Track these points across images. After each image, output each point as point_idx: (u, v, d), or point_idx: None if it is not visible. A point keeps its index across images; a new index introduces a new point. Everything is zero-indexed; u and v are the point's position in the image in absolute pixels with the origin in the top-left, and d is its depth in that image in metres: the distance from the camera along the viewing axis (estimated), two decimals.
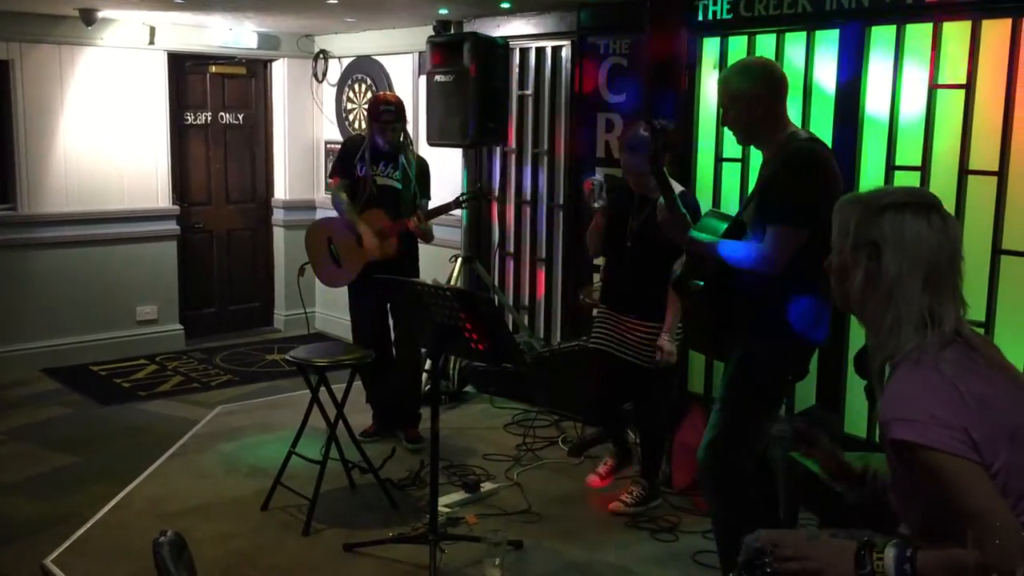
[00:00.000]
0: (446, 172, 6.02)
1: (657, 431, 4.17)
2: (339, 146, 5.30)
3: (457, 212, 5.91)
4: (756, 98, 2.92)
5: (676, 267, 3.11)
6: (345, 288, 4.87)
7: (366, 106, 4.94)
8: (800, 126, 3.21)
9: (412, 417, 4.90)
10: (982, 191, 3.82)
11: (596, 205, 4.02)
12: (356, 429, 4.40)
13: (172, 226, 6.81)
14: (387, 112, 4.64)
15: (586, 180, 4.16)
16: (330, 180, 4.95)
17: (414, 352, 4.87)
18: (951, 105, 3.87)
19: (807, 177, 2.82)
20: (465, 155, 5.75)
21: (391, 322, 4.84)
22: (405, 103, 6.16)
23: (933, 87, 3.91)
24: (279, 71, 7.32)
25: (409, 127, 6.50)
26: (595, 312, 4.27)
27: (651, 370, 3.94)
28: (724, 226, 3.03)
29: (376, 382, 4.84)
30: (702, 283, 3.01)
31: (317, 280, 4.97)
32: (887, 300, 1.75)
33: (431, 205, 4.80)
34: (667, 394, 4.21)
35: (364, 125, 5.18)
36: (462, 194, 4.79)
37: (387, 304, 4.76)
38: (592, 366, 4.16)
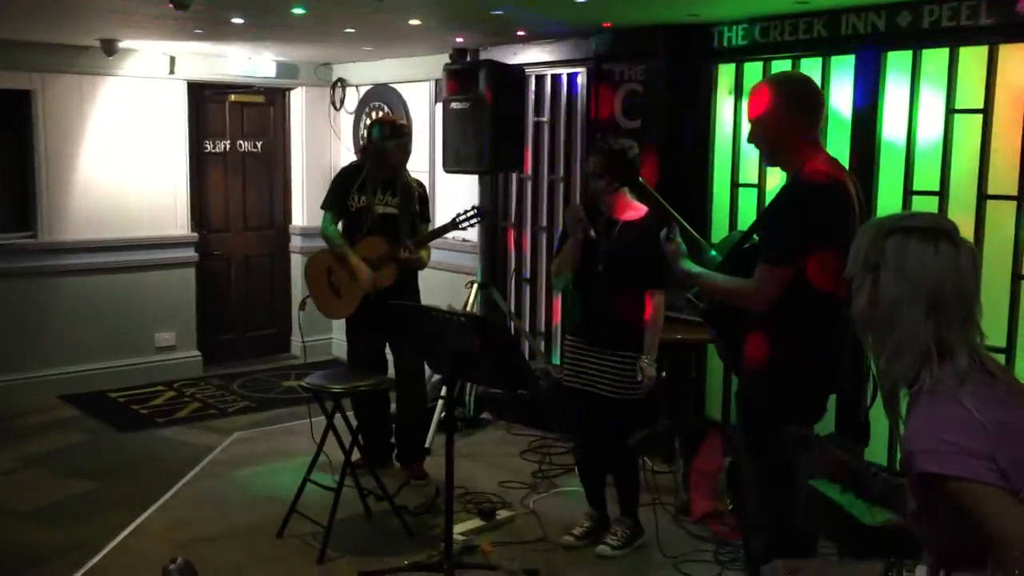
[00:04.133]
0: (460, 200, 6.03)
1: (632, 461, 3.98)
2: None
3: (473, 238, 5.94)
4: (784, 114, 2.75)
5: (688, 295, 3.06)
6: (343, 320, 4.84)
7: (367, 130, 4.82)
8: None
9: (417, 452, 4.85)
10: (1001, 216, 3.79)
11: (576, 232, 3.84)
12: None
13: (191, 253, 6.86)
14: (406, 127, 4.63)
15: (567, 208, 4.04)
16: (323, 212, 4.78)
17: (417, 385, 4.84)
18: (969, 130, 3.86)
19: (799, 212, 2.69)
20: (481, 182, 5.75)
21: (390, 357, 4.81)
22: (423, 130, 6.16)
23: (950, 112, 3.90)
24: (297, 99, 7.39)
25: (425, 154, 6.61)
26: (564, 342, 4.05)
27: (630, 402, 3.78)
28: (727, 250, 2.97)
29: (370, 413, 4.68)
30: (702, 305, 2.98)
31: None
32: (888, 324, 1.74)
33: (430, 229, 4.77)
34: (636, 426, 3.96)
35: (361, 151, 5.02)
36: (459, 215, 4.71)
37: (385, 338, 4.73)
38: (563, 402, 4.01)
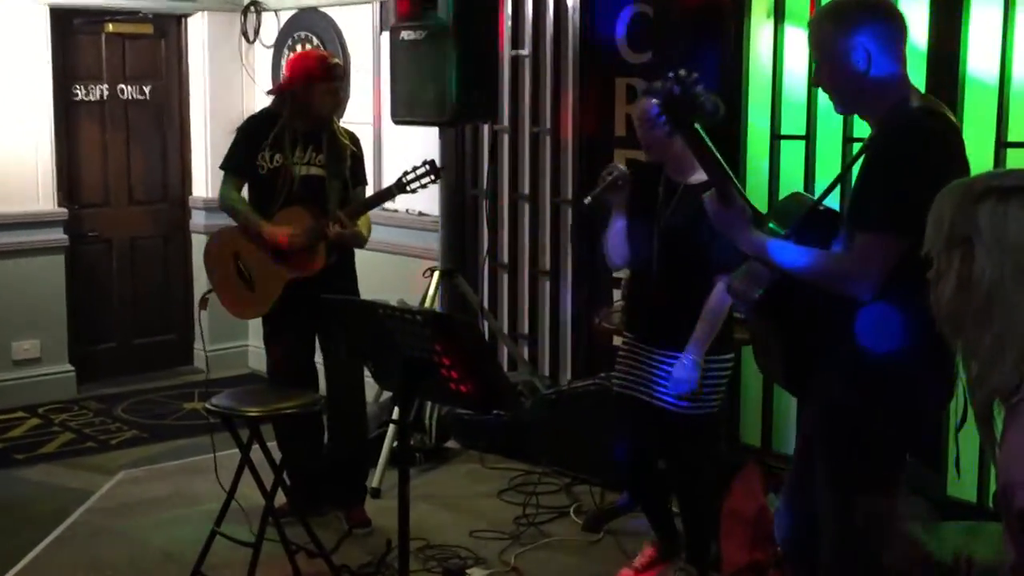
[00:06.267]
0: (415, 161, 6.01)
1: (704, 498, 4.15)
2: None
3: (432, 210, 5.93)
4: (857, 48, 2.78)
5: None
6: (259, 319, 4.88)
7: (290, 69, 4.79)
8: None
9: (356, 491, 4.86)
10: None
11: (618, 178, 3.92)
12: None
13: (57, 235, 6.82)
14: (337, 67, 4.64)
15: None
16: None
17: (357, 405, 4.85)
18: None
19: (909, 164, 2.70)
20: (443, 136, 5.75)
21: (322, 364, 4.84)
22: (364, 68, 6.11)
23: None
24: (197, 29, 7.34)
25: (367, 100, 6.58)
26: (618, 342, 4.25)
27: (692, 418, 3.93)
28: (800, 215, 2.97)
29: (298, 443, 4.69)
30: (761, 291, 2.97)
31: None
32: (985, 314, 1.75)
33: (368, 194, 4.81)
34: (713, 448, 4.19)
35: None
36: (405, 173, 4.71)
37: (315, 344, 4.75)
38: (615, 413, 4.15)
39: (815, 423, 2.98)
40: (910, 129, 2.77)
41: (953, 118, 2.87)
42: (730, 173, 2.95)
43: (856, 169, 2.93)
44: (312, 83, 4.60)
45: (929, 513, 3.64)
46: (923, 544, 2.12)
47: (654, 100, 3.70)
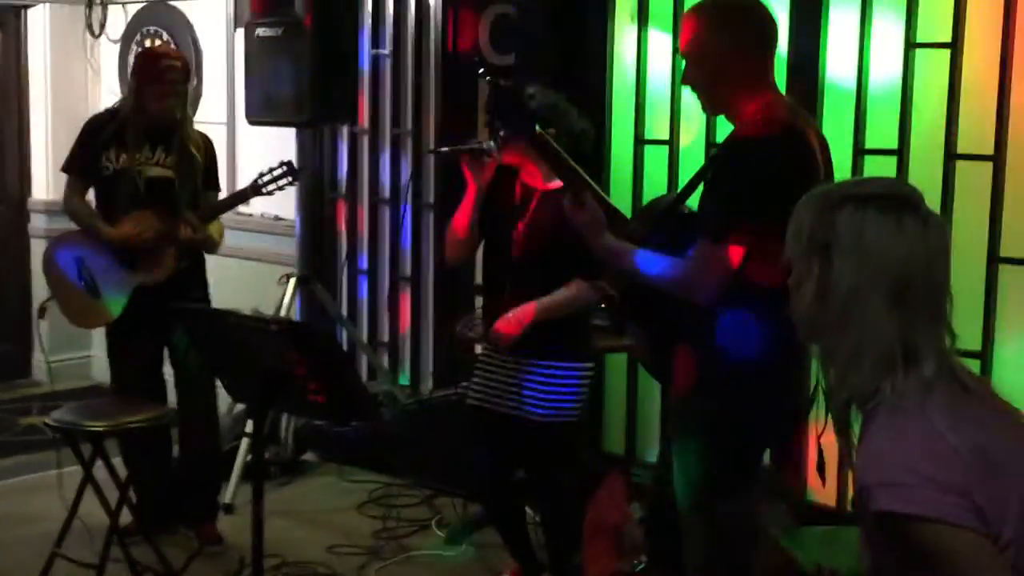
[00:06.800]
0: (271, 163, 5.94)
1: (566, 508, 4.15)
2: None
3: (288, 214, 5.85)
4: (729, 49, 2.87)
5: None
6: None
7: (131, 65, 4.75)
8: None
9: (207, 508, 4.80)
10: (974, 181, 3.96)
11: (487, 147, 3.81)
12: None
13: None
14: (171, 69, 4.54)
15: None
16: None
17: (208, 417, 4.79)
18: (934, 69, 4.01)
19: (746, 172, 2.79)
20: (300, 137, 5.69)
21: (171, 380, 4.78)
22: (217, 65, 5.98)
23: (911, 46, 4.05)
24: (37, 21, 7.16)
25: (220, 100, 6.46)
26: (478, 351, 4.23)
27: (552, 426, 3.92)
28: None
29: (145, 458, 4.63)
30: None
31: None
32: (842, 321, 1.78)
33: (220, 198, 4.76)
34: (575, 457, 4.20)
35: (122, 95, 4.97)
36: (261, 174, 4.68)
37: (163, 354, 4.69)
38: (471, 427, 4.13)
39: (672, 422, 3.07)
40: (749, 138, 2.85)
41: (808, 127, 2.94)
42: (584, 176, 2.98)
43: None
44: (141, 83, 4.55)
45: (789, 519, 3.73)
46: (787, 550, 2.15)
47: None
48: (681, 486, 3.03)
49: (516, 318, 3.78)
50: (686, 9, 3.07)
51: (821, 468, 2.71)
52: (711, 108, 3.06)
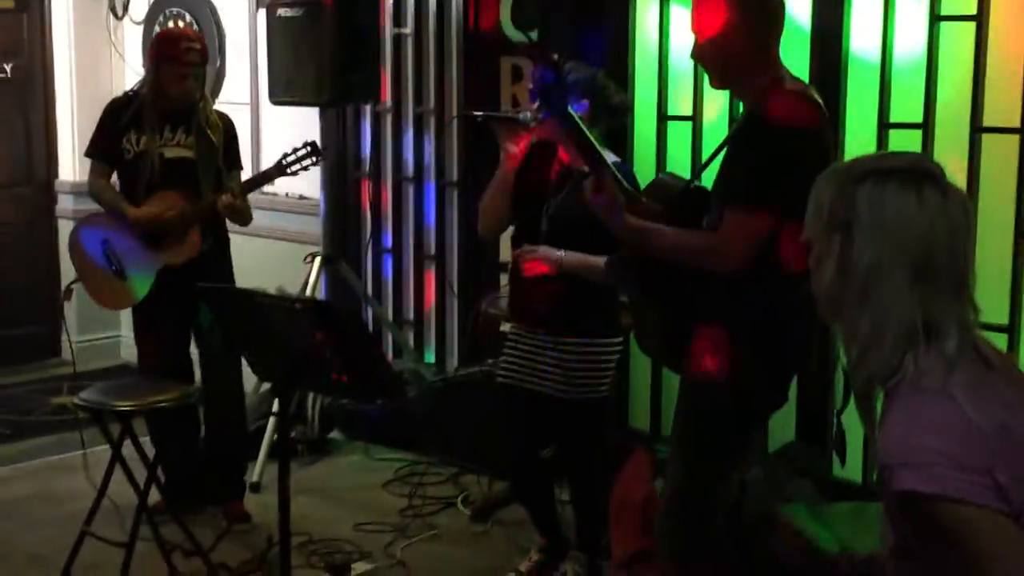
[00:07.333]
0: (294, 144, 5.96)
1: (594, 484, 4.16)
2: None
3: (312, 193, 5.87)
4: (739, 25, 2.90)
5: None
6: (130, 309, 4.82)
7: (149, 47, 4.76)
8: None
9: (235, 486, 4.83)
10: (1000, 153, 3.93)
11: (523, 119, 3.76)
12: None
13: None
14: (189, 51, 4.54)
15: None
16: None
17: (235, 396, 4.82)
18: (959, 42, 3.98)
19: (773, 159, 2.83)
20: (323, 117, 5.69)
21: (197, 355, 4.81)
22: (240, 47, 6.00)
23: (935, 19, 4.02)
24: (61, 4, 7.17)
25: (243, 81, 6.47)
26: (506, 327, 4.23)
27: (582, 403, 3.94)
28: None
29: (173, 437, 4.68)
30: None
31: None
32: (863, 298, 1.78)
33: (244, 178, 4.77)
34: (602, 434, 4.21)
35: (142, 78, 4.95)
36: (285, 155, 4.68)
37: (189, 334, 4.72)
38: (501, 405, 4.14)
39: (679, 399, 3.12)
40: (776, 131, 2.86)
41: (820, 115, 2.95)
42: (604, 158, 3.01)
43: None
44: (159, 65, 4.56)
45: (815, 495, 3.73)
46: (807, 535, 2.15)
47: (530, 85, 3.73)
48: (672, 458, 3.11)
49: (544, 254, 3.78)
50: None
51: (841, 446, 2.73)
52: (721, 83, 3.09)
